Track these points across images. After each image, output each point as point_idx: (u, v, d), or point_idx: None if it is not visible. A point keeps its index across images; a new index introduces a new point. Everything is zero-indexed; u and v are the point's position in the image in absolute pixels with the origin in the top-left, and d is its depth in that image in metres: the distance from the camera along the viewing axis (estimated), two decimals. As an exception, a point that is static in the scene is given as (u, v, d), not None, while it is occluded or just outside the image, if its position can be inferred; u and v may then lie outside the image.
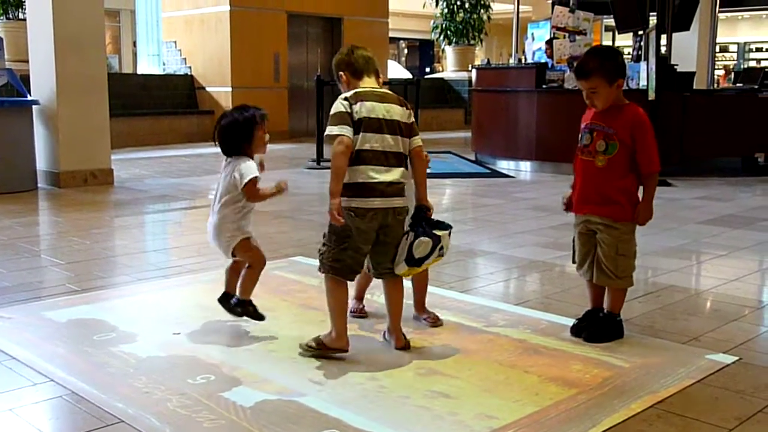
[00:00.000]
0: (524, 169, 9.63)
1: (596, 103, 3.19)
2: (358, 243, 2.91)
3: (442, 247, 2.96)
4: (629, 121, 3.13)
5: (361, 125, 2.86)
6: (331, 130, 2.85)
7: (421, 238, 2.90)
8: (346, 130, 2.84)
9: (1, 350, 3.05)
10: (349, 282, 3.03)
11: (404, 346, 3.07)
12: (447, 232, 2.99)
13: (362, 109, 2.87)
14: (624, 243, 3.20)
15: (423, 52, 31.80)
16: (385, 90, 3.01)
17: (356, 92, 2.93)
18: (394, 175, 2.91)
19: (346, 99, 2.91)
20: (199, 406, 2.53)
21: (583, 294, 3.46)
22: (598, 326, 3.25)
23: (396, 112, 2.94)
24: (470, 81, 14.75)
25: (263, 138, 3.24)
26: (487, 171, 9.52)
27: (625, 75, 3.21)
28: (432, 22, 19.96)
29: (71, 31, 7.63)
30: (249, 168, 3.16)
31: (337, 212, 2.82)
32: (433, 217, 3.05)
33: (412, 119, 3.01)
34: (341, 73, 3.06)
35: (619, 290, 3.27)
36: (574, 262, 3.38)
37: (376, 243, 2.96)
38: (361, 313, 3.50)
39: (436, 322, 3.40)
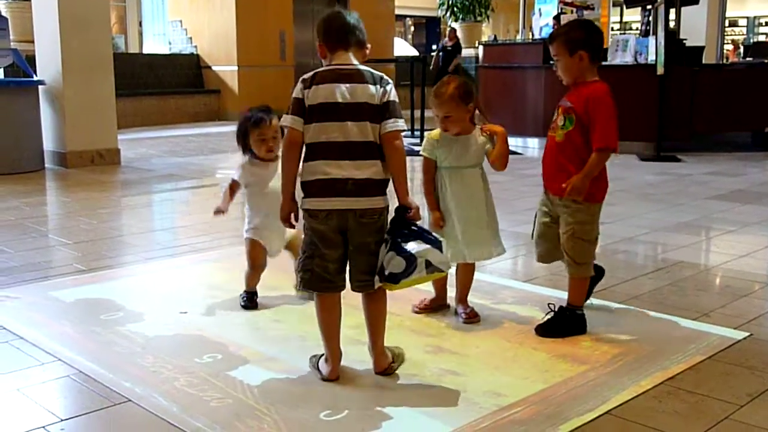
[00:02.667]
0: (532, 145, 9.58)
1: (558, 72, 3.08)
2: (322, 248, 2.50)
3: (429, 264, 2.44)
4: (586, 94, 2.98)
5: (314, 113, 2.46)
6: (284, 119, 2.50)
7: (391, 252, 2.44)
8: (296, 122, 2.47)
9: (8, 330, 3.06)
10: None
11: (384, 370, 2.61)
12: (427, 248, 2.45)
13: (316, 93, 2.45)
14: (581, 225, 3.01)
15: (430, 29, 31.60)
16: (355, 66, 2.51)
17: (316, 73, 2.50)
18: (356, 169, 2.44)
19: (303, 81, 2.50)
20: (206, 385, 2.53)
21: (592, 271, 3.42)
22: (553, 319, 3.06)
23: (363, 93, 2.45)
24: (477, 57, 14.65)
25: (258, 140, 3.28)
26: (495, 148, 9.47)
27: (593, 50, 2.99)
28: (438, -2, 19.81)
29: (76, 11, 7.60)
30: (235, 172, 3.37)
31: (287, 216, 2.56)
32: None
33: (390, 98, 2.49)
34: (318, 43, 2.60)
35: (576, 280, 3.09)
36: (532, 237, 3.27)
37: (345, 250, 2.53)
38: (425, 309, 3.28)
39: (471, 318, 3.19)
